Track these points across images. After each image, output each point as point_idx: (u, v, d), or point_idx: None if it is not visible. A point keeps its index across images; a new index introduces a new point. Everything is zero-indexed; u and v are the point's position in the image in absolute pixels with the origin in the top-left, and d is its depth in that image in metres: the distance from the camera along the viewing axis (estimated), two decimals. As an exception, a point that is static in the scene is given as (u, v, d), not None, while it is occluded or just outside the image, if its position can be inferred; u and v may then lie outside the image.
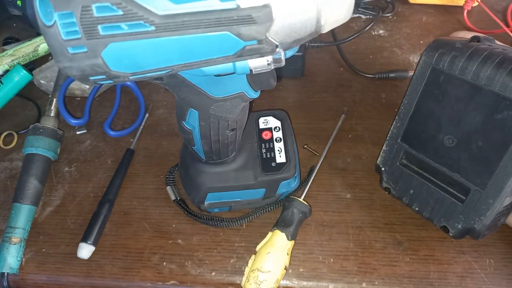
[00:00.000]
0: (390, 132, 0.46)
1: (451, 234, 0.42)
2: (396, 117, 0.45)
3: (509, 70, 0.35)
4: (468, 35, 0.44)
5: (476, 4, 0.68)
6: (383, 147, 0.47)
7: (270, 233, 0.45)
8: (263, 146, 0.47)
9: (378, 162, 0.48)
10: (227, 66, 0.29)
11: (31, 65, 0.67)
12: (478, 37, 0.40)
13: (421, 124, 0.43)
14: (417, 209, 0.45)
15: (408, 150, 0.44)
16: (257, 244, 0.45)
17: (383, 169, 0.47)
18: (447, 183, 0.42)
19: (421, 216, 0.45)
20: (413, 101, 0.43)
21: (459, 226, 0.41)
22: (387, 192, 0.48)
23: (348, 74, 0.63)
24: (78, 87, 0.62)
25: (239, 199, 0.47)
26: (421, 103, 0.42)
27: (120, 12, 0.23)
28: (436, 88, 0.41)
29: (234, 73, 0.30)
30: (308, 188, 0.49)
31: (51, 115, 0.58)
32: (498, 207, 0.38)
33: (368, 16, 0.71)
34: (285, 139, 0.47)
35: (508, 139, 0.36)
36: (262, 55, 0.27)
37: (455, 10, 0.71)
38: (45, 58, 0.68)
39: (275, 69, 0.31)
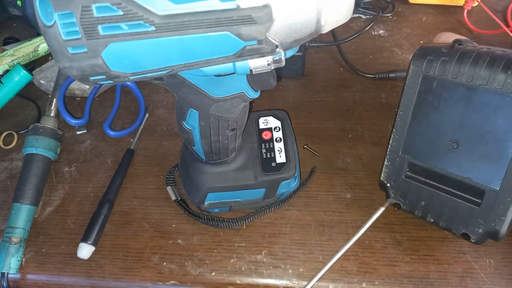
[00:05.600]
0: (389, 146, 0.44)
1: (473, 241, 0.40)
2: (394, 130, 0.44)
3: (502, 67, 0.35)
4: (451, 37, 0.44)
5: (476, 4, 0.68)
6: (385, 163, 0.45)
7: None
8: (263, 146, 0.47)
9: (382, 178, 0.46)
10: (227, 66, 0.29)
11: (31, 65, 0.67)
12: (459, 40, 0.40)
13: (421, 133, 0.42)
14: (432, 220, 0.43)
15: (411, 161, 0.43)
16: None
17: (388, 185, 0.46)
18: (459, 189, 0.41)
19: (437, 227, 0.43)
20: (408, 111, 0.42)
21: (480, 230, 0.40)
22: (396, 208, 0.45)
23: (348, 74, 0.63)
24: (78, 87, 0.62)
25: (239, 199, 0.47)
26: (418, 112, 0.42)
27: (120, 12, 0.23)
28: (430, 95, 0.40)
29: (234, 73, 0.30)
30: (308, 188, 0.49)
31: (51, 115, 0.58)
32: None
33: (368, 16, 0.71)
34: (285, 139, 0.47)
35: None
36: (262, 55, 0.27)
37: (455, 10, 0.71)
38: (45, 58, 0.67)
39: (275, 69, 0.31)
